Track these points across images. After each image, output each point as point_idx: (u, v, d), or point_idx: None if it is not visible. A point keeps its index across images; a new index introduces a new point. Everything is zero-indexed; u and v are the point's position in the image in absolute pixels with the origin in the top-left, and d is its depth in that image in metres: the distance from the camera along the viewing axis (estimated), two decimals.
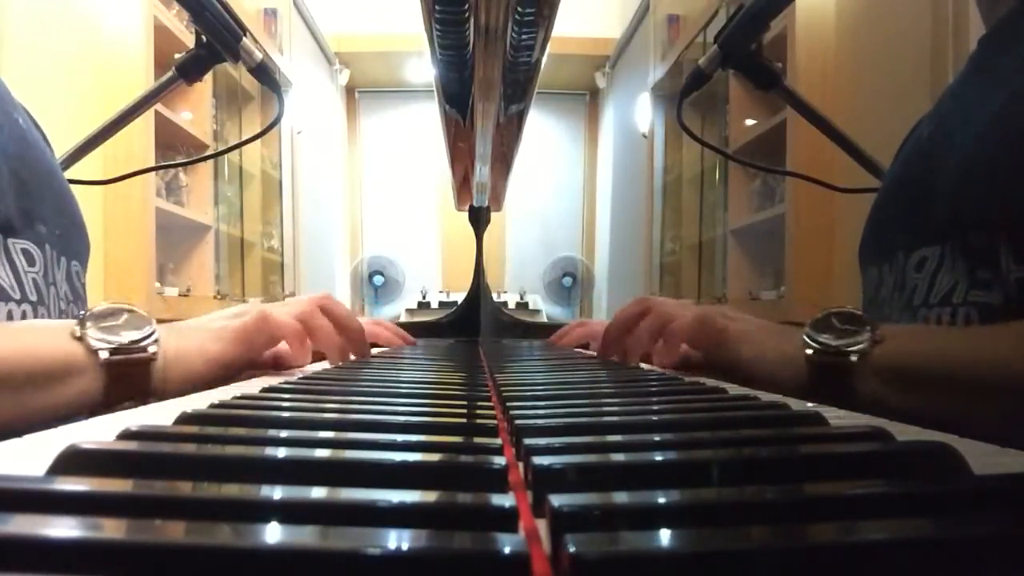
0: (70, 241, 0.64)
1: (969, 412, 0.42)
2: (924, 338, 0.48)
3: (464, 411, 0.36)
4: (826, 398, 0.48)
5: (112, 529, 0.16)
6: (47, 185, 0.62)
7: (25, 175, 0.58)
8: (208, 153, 2.61)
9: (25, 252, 0.56)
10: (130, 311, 0.49)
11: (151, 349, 0.48)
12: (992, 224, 0.49)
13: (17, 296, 0.55)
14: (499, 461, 0.21)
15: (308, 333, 0.61)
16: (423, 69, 3.70)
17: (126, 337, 0.48)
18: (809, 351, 0.49)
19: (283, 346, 0.62)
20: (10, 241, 0.55)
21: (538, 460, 0.21)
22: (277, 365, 0.63)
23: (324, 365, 0.67)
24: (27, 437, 0.27)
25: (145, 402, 0.49)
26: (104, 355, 0.46)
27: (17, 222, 0.56)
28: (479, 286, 1.39)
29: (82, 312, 0.48)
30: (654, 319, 0.63)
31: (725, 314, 0.61)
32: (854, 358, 0.46)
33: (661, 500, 0.18)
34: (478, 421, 0.31)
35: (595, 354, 0.72)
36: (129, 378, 0.48)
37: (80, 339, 0.46)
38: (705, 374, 0.61)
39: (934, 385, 0.44)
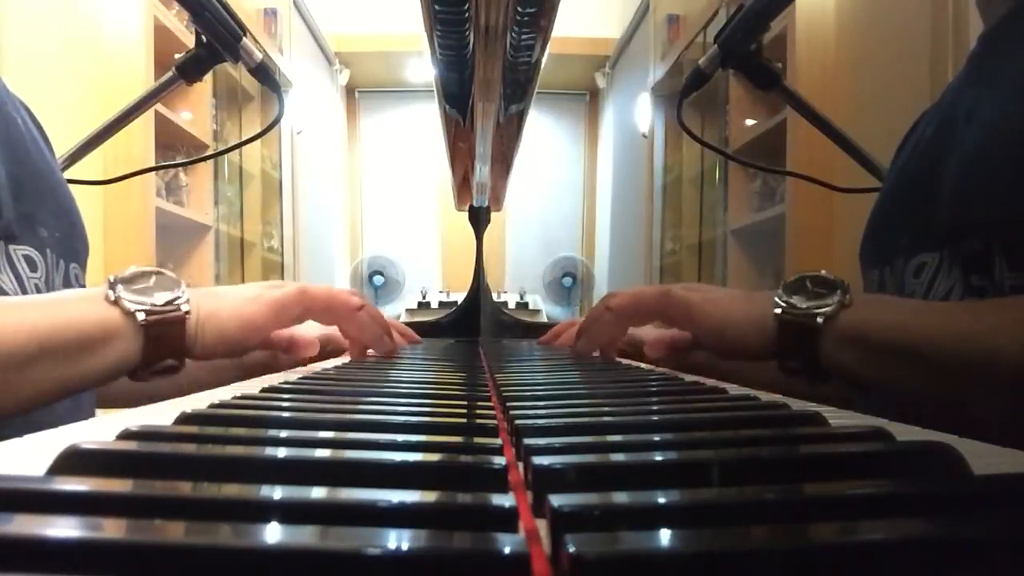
0: (70, 243, 0.64)
1: (926, 386, 0.42)
2: (893, 308, 0.48)
3: (464, 411, 0.36)
4: (792, 360, 0.48)
5: (112, 529, 0.16)
6: (47, 187, 0.62)
7: (25, 179, 0.58)
8: (208, 153, 2.60)
9: (27, 258, 0.57)
10: (157, 273, 0.50)
11: (184, 308, 0.49)
12: (988, 230, 0.49)
13: None
14: (499, 461, 0.21)
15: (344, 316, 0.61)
16: (423, 69, 3.70)
17: (160, 298, 0.49)
18: (777, 311, 0.49)
19: (298, 331, 0.63)
20: (11, 248, 0.55)
21: (538, 460, 0.21)
22: (289, 349, 0.63)
23: (324, 365, 0.67)
24: (27, 437, 0.27)
25: (181, 362, 0.51)
26: (141, 316, 0.47)
27: (18, 228, 0.56)
28: (479, 286, 1.39)
29: (109, 277, 0.48)
30: (618, 300, 0.62)
31: (692, 287, 0.61)
32: (820, 320, 0.46)
33: (661, 500, 0.18)
34: (478, 421, 0.31)
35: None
36: (166, 338, 0.49)
37: (115, 303, 0.47)
38: (691, 368, 0.60)
39: (895, 355, 0.44)
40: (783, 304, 0.49)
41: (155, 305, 0.48)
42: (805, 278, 0.49)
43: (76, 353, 0.45)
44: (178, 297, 0.49)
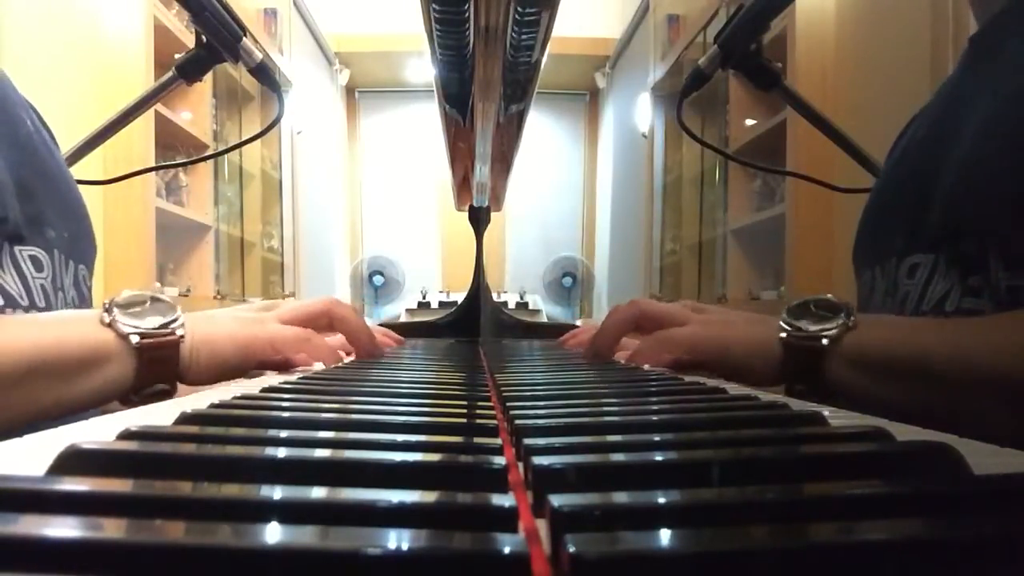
0: (77, 244, 0.64)
1: (933, 406, 0.42)
2: (897, 328, 0.48)
3: (464, 411, 0.36)
4: (797, 383, 0.48)
5: (112, 529, 0.15)
6: (54, 188, 0.62)
7: (32, 180, 0.58)
8: (208, 153, 2.61)
9: (33, 259, 0.57)
10: (153, 298, 0.50)
11: (179, 332, 0.49)
12: (983, 231, 0.49)
13: (25, 303, 0.55)
14: (499, 461, 0.21)
15: (307, 350, 0.61)
16: (423, 69, 3.70)
17: (154, 322, 0.49)
18: (783, 334, 0.49)
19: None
20: (17, 249, 0.55)
21: (538, 460, 0.21)
22: (284, 368, 0.63)
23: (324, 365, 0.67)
24: (27, 437, 0.27)
25: (174, 386, 0.50)
26: (135, 340, 0.47)
27: (25, 229, 0.56)
28: (479, 286, 1.39)
29: (106, 302, 0.48)
30: (664, 334, 0.61)
31: (699, 307, 0.61)
32: (825, 342, 0.46)
33: (661, 500, 0.18)
34: (478, 421, 0.31)
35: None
36: (159, 362, 0.49)
37: (110, 326, 0.47)
38: (693, 372, 0.60)
39: (899, 375, 0.44)
40: (788, 328, 0.49)
41: (150, 329, 0.48)
42: (809, 302, 0.50)
43: (68, 374, 0.45)
44: (173, 321, 0.49)
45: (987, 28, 0.59)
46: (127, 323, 0.47)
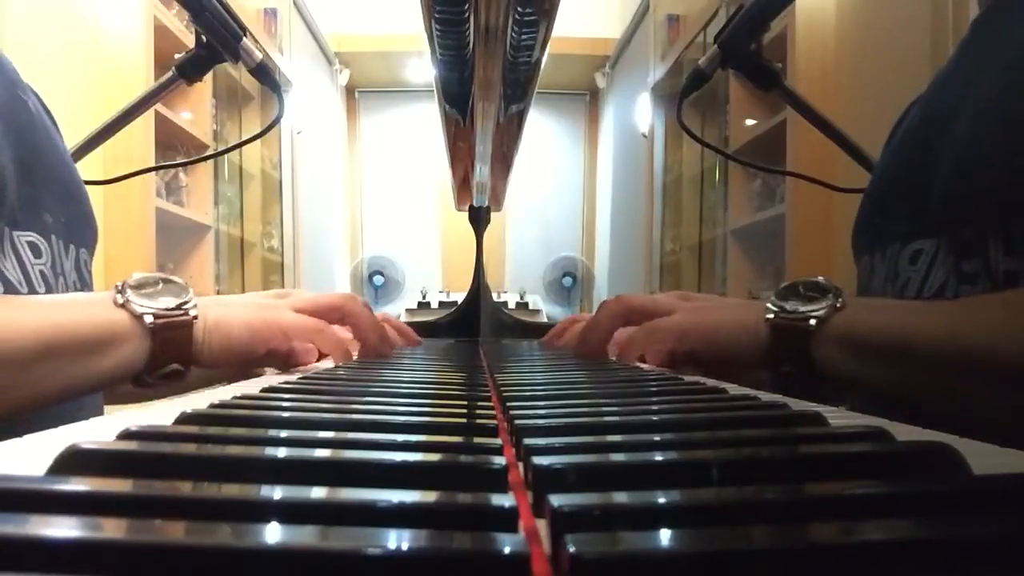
0: (77, 228, 0.63)
1: (922, 386, 0.42)
2: (887, 310, 0.48)
3: (464, 411, 0.36)
4: (784, 364, 0.48)
5: (112, 529, 0.16)
6: (54, 172, 0.62)
7: (31, 163, 0.58)
8: (208, 153, 2.61)
9: (31, 244, 0.56)
10: (165, 279, 0.50)
11: (192, 312, 0.49)
12: (983, 216, 0.49)
13: (25, 290, 0.55)
14: (499, 461, 0.21)
15: (317, 341, 0.61)
16: (423, 69, 3.70)
17: (167, 302, 0.49)
18: (770, 315, 0.49)
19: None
20: (15, 234, 0.55)
21: (538, 460, 0.21)
22: (288, 357, 0.63)
23: (327, 364, 0.67)
24: (27, 437, 0.27)
25: (187, 368, 0.50)
26: (149, 320, 0.47)
27: (22, 214, 0.55)
28: (479, 286, 1.39)
29: (117, 283, 0.48)
30: (651, 324, 0.62)
31: (686, 295, 0.61)
32: (813, 323, 0.46)
33: (661, 500, 0.18)
34: (478, 421, 0.31)
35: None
36: (173, 343, 0.49)
37: (123, 306, 0.47)
38: (690, 369, 0.60)
39: (888, 357, 0.44)
40: (775, 309, 0.49)
41: (164, 308, 0.48)
42: (798, 284, 0.49)
43: (83, 354, 0.45)
44: (186, 302, 0.50)
45: (989, 11, 0.59)
46: (141, 303, 0.47)
